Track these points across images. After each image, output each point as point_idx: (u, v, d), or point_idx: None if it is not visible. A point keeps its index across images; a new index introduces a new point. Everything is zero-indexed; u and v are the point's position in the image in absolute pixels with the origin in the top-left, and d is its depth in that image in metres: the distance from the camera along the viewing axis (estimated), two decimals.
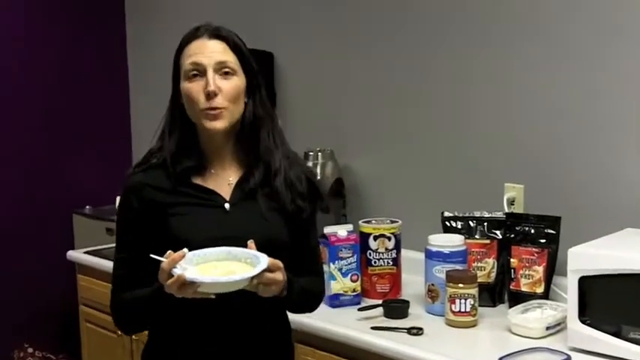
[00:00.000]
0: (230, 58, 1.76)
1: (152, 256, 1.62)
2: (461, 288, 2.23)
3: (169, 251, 1.61)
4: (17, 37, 3.80)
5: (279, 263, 1.66)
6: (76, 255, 3.41)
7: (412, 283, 2.58)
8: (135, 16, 4.16)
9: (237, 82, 1.76)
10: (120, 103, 4.20)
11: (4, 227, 3.76)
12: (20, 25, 3.81)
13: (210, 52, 1.75)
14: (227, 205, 1.79)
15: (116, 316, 1.82)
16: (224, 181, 1.82)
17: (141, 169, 1.81)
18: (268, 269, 1.61)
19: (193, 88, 1.74)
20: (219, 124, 1.74)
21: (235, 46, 1.78)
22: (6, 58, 3.76)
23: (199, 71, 1.74)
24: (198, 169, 1.81)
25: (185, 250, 1.61)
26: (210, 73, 1.73)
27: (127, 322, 1.82)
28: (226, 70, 1.75)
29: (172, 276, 1.57)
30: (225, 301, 1.63)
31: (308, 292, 1.85)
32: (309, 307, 1.94)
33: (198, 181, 1.80)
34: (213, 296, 1.60)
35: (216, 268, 1.63)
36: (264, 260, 1.60)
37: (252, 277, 1.58)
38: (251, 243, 1.66)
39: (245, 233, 1.69)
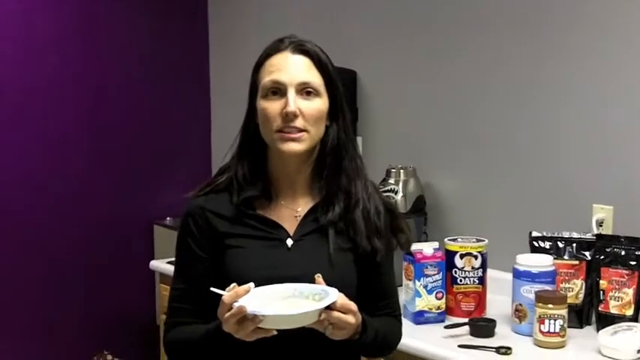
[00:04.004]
0: (314, 78, 1.61)
1: (212, 289, 1.50)
2: (550, 308, 2.22)
3: (234, 284, 1.48)
4: (88, 49, 3.89)
5: (353, 306, 1.50)
6: (158, 264, 3.48)
7: (496, 303, 2.58)
8: (217, 28, 4.23)
9: (319, 105, 1.61)
10: (201, 114, 4.26)
11: (88, 237, 3.86)
12: (97, 35, 3.89)
13: (293, 69, 1.60)
14: (289, 241, 1.64)
15: (169, 351, 1.69)
16: (291, 212, 1.66)
17: (203, 192, 1.68)
18: (340, 310, 1.47)
19: (270, 107, 1.59)
20: (297, 147, 1.58)
21: (321, 64, 1.62)
22: (96, 69, 3.87)
23: (279, 90, 1.59)
24: (263, 198, 1.66)
25: (251, 284, 1.48)
26: (291, 93, 1.57)
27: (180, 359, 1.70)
28: (309, 90, 1.60)
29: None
30: (288, 341, 1.50)
31: (383, 337, 1.67)
32: (382, 353, 1.76)
33: (261, 211, 1.65)
34: (275, 332, 1.46)
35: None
36: (333, 293, 1.47)
37: (320, 312, 1.45)
38: (319, 278, 1.52)
39: (305, 276, 1.53)
